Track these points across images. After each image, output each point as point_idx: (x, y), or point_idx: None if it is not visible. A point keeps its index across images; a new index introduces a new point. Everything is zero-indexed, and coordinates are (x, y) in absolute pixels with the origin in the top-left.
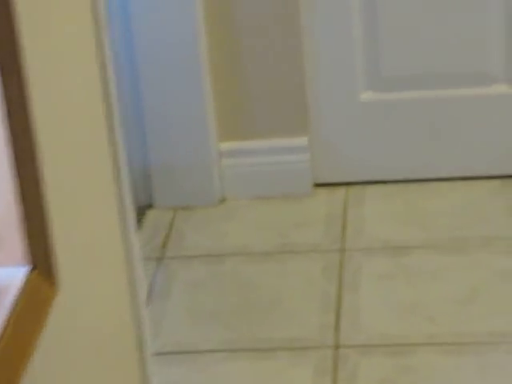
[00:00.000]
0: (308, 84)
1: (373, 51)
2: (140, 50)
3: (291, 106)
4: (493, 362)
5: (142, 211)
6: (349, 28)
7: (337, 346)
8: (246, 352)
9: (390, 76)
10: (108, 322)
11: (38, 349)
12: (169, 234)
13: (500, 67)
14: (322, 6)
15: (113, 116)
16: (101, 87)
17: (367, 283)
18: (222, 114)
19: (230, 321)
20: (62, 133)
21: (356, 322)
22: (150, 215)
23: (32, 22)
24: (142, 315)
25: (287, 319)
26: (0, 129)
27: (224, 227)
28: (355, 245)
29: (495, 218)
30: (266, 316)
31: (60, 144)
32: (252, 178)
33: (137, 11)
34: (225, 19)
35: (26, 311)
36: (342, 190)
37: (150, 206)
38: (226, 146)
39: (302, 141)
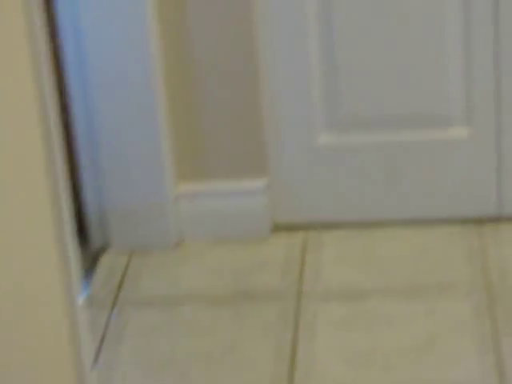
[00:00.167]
0: (267, 125)
1: (331, 93)
2: (95, 89)
3: (250, 147)
4: None
5: (97, 254)
6: (308, 68)
7: None
8: None
9: (348, 118)
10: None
11: None
12: (124, 279)
13: (459, 110)
14: (280, 45)
15: (53, 162)
16: (41, 134)
17: (323, 331)
18: (179, 155)
19: (183, 369)
20: None
21: (310, 372)
22: (106, 258)
23: None
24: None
25: (240, 368)
26: None
27: (180, 271)
28: (312, 290)
29: (454, 263)
30: (220, 364)
31: None
32: (210, 220)
33: (91, 49)
34: (183, 59)
35: None
36: (300, 233)
37: (105, 249)
38: (183, 187)
39: (260, 182)
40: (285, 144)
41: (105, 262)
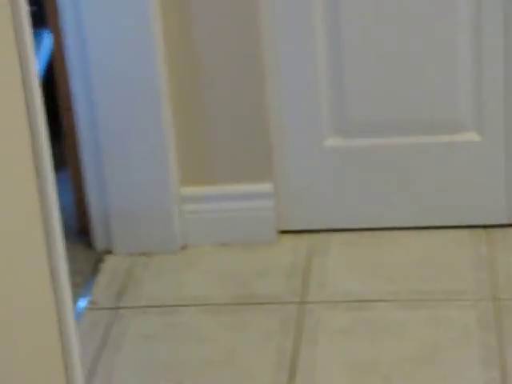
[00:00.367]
0: (273, 129)
1: (338, 96)
2: (99, 93)
3: (255, 151)
4: None
5: (100, 257)
6: (314, 71)
7: None
8: None
9: (355, 121)
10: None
11: None
12: (126, 283)
13: (469, 114)
14: (286, 48)
15: (43, 172)
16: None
17: (325, 339)
18: (184, 158)
19: (182, 377)
20: None
21: (310, 381)
22: (109, 262)
23: None
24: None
25: (240, 376)
26: None
27: (183, 276)
28: (316, 297)
29: (461, 271)
30: (219, 372)
31: None
32: (215, 224)
33: (95, 52)
34: (187, 63)
35: None
36: (306, 238)
37: (108, 252)
38: (187, 191)
39: (266, 187)
40: (291, 148)
41: (108, 265)
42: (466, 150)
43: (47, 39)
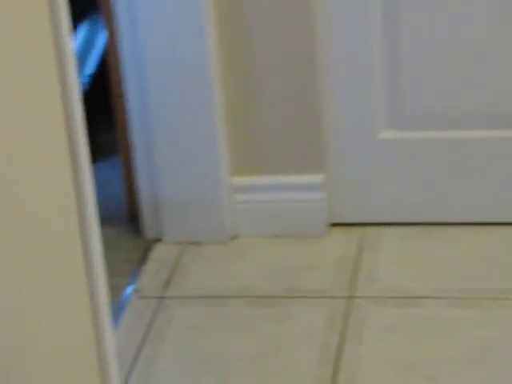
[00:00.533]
0: (326, 120)
1: (394, 87)
2: (150, 80)
3: (307, 142)
4: None
5: (149, 245)
6: (370, 63)
7: None
8: None
9: (410, 114)
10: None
11: None
12: (173, 272)
13: None
14: (340, 39)
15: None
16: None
17: (371, 335)
18: (236, 148)
19: (224, 371)
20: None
21: (353, 378)
22: (157, 250)
23: None
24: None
25: (282, 371)
26: None
27: (231, 267)
28: (364, 292)
29: None
30: (261, 367)
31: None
32: (265, 215)
33: (147, 39)
34: (240, 51)
35: None
36: (358, 231)
37: (158, 240)
38: (238, 180)
39: (318, 178)
40: (344, 139)
41: (157, 253)
42: None
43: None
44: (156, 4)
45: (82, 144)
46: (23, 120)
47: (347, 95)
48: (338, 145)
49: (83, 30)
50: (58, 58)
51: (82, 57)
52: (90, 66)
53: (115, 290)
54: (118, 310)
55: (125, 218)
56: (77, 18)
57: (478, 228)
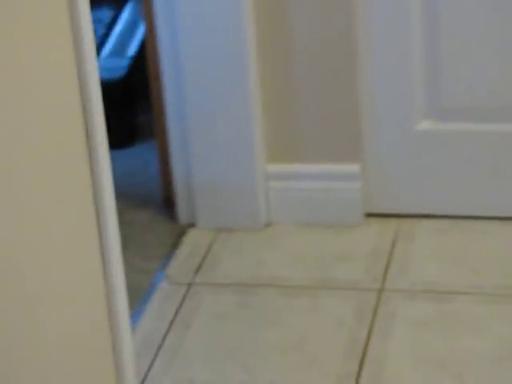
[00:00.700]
0: (364, 109)
1: (433, 78)
2: (187, 65)
3: (345, 131)
4: None
5: (182, 230)
6: (409, 54)
7: None
8: None
9: (450, 106)
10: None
11: None
12: (205, 258)
13: None
14: (379, 28)
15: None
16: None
17: (400, 330)
18: (272, 135)
19: (248, 361)
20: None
21: (378, 374)
22: (190, 235)
23: None
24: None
25: (307, 363)
26: None
27: (262, 255)
28: (396, 285)
29: None
30: (286, 358)
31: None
32: (300, 203)
33: (185, 29)
34: (278, 40)
35: None
36: (393, 223)
37: (191, 226)
38: (274, 168)
39: (354, 168)
40: (382, 129)
41: (189, 239)
42: None
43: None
44: None
45: (99, 128)
46: (38, 102)
47: (386, 85)
48: (375, 134)
49: (127, 11)
50: (75, 44)
51: (125, 38)
52: (133, 48)
53: (146, 274)
54: (147, 294)
55: (160, 202)
56: None
57: None
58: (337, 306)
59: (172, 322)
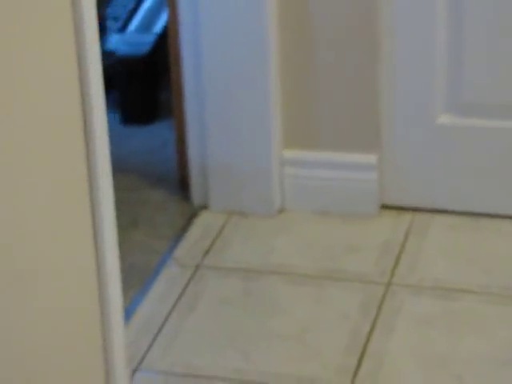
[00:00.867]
0: (383, 99)
1: (456, 73)
2: (207, 50)
3: (364, 121)
4: None
5: (195, 212)
6: (432, 47)
7: None
8: None
9: (471, 101)
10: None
11: None
12: (214, 241)
13: None
14: (402, 20)
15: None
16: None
17: (403, 326)
18: (290, 120)
19: (248, 348)
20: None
21: (377, 369)
22: (203, 217)
23: None
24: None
25: (306, 355)
26: None
27: (273, 241)
28: (404, 280)
29: None
30: (286, 347)
31: None
32: (315, 191)
33: (206, 10)
34: (299, 27)
35: None
36: (408, 215)
37: (205, 208)
38: (290, 153)
39: (371, 158)
40: (401, 121)
41: (201, 220)
42: None
43: None
44: None
45: (96, 104)
46: (34, 76)
47: (408, 77)
48: (394, 126)
49: None
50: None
51: (152, 14)
52: (159, 25)
53: (154, 255)
54: (153, 275)
55: (175, 182)
56: None
57: None
58: (342, 298)
59: (175, 304)
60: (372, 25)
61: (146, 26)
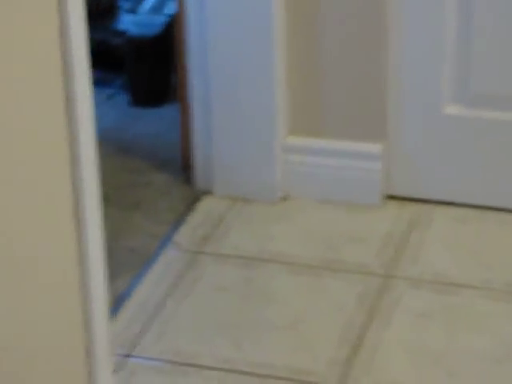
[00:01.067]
0: (390, 88)
1: (464, 63)
2: (212, 34)
3: (369, 110)
4: None
5: (198, 197)
6: (440, 36)
7: None
8: (240, 375)
9: (480, 92)
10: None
11: None
12: (215, 227)
13: None
14: (411, 9)
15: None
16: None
17: (400, 320)
18: (294, 107)
19: (239, 337)
20: None
21: (370, 363)
22: (205, 203)
23: None
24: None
25: (299, 345)
26: None
27: (274, 229)
28: (404, 273)
29: None
30: (279, 337)
31: None
32: (319, 179)
33: (213, 1)
34: (305, 14)
35: None
36: (411, 206)
37: (207, 193)
38: (293, 140)
39: (376, 148)
40: (408, 111)
41: (203, 206)
42: None
43: None
44: None
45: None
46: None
47: (415, 66)
48: (400, 116)
49: None
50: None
51: None
52: (172, 6)
53: (154, 239)
54: (152, 259)
55: (180, 166)
56: None
57: None
58: (340, 289)
59: (171, 289)
60: (380, 13)
61: (158, 7)
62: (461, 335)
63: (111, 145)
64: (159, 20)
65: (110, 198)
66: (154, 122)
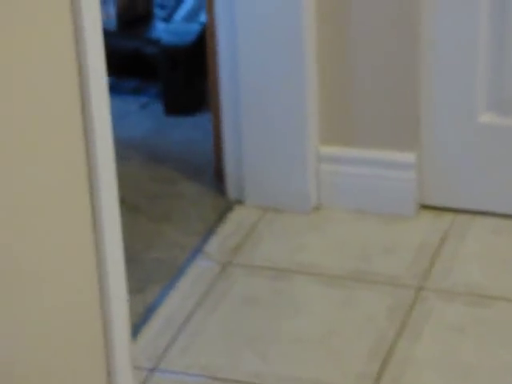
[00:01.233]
0: (423, 97)
1: (498, 71)
2: (243, 43)
3: (402, 118)
4: None
5: (230, 206)
6: (474, 43)
7: None
8: None
9: None
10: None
11: None
12: (246, 238)
13: None
14: (446, 18)
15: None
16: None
17: (431, 334)
18: (327, 117)
19: (267, 350)
20: None
21: (398, 378)
22: (237, 212)
23: None
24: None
25: (328, 360)
26: None
27: (306, 239)
28: (436, 285)
29: None
30: (307, 351)
31: None
32: (352, 189)
33: (241, 11)
34: (338, 21)
35: None
36: (447, 217)
37: (240, 202)
38: (326, 150)
39: (410, 157)
40: (441, 119)
41: (235, 216)
42: None
43: None
44: None
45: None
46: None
47: (449, 74)
48: (434, 124)
49: None
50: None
51: (199, 4)
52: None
53: (184, 249)
54: (181, 270)
55: (212, 175)
56: None
57: None
58: (371, 301)
59: (200, 300)
60: (412, 22)
61: (193, 15)
62: (493, 349)
63: (144, 154)
64: (193, 28)
65: (140, 209)
66: (187, 130)
